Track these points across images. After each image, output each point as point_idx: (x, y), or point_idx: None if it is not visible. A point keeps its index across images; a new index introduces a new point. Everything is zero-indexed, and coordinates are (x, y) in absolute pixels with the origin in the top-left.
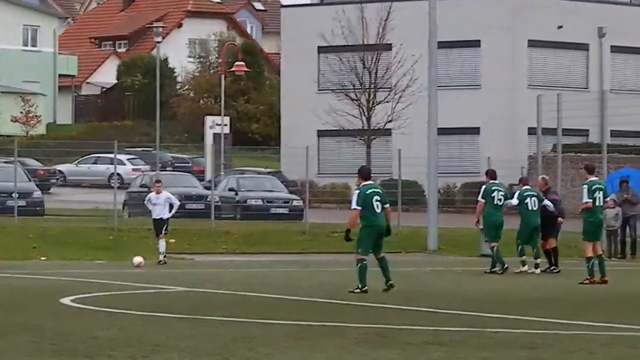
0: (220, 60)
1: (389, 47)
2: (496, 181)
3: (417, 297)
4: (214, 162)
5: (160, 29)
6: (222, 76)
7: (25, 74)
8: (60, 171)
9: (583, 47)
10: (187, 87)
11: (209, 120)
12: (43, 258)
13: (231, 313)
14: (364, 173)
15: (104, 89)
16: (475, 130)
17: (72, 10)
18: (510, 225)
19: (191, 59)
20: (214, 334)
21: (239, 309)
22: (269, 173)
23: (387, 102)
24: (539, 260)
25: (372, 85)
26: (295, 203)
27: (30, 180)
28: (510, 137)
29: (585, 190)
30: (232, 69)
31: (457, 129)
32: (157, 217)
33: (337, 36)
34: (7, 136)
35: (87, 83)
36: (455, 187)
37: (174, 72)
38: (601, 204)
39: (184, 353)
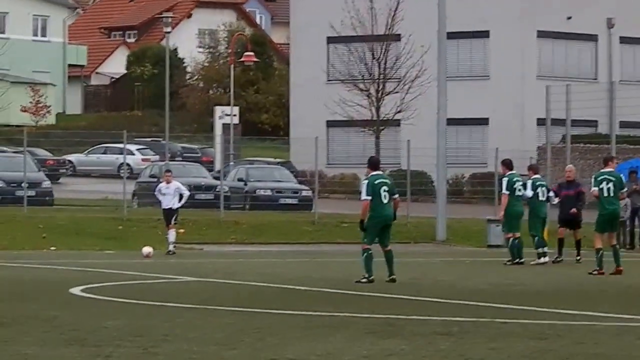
0: (229, 50)
1: (398, 37)
2: (514, 171)
3: (425, 288)
4: (223, 152)
5: (170, 19)
6: (232, 66)
7: (34, 64)
8: (69, 161)
9: (592, 38)
10: (196, 77)
11: (218, 110)
12: (52, 248)
13: (240, 303)
14: (373, 163)
15: (114, 79)
16: (484, 121)
17: (81, 1)
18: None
19: (200, 49)
20: (223, 324)
21: (247, 300)
22: (278, 163)
23: (396, 92)
24: (540, 250)
25: (381, 76)
26: (304, 193)
27: (39, 170)
28: (519, 128)
29: (592, 180)
30: (242, 59)
31: (466, 119)
32: (167, 207)
33: (347, 27)
34: (17, 126)
35: (97, 73)
36: (464, 177)
37: (184, 63)
38: (611, 195)
39: (193, 343)
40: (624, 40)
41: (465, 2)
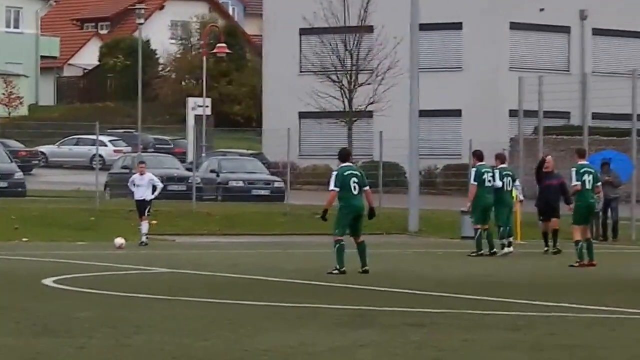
0: (202, 42)
1: (370, 29)
2: (483, 162)
3: (397, 279)
4: (195, 143)
5: (142, 11)
6: (204, 58)
7: (7, 55)
8: (42, 152)
9: (565, 29)
10: (169, 68)
11: (191, 101)
12: (25, 239)
13: (212, 295)
14: (343, 155)
15: (86, 71)
16: (456, 113)
17: None
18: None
19: (173, 41)
20: (195, 315)
21: (220, 291)
22: (250, 155)
23: (369, 84)
24: (505, 240)
25: (354, 68)
26: (276, 184)
27: (11, 161)
28: (491, 119)
29: (573, 173)
30: (214, 50)
31: (438, 111)
32: (140, 199)
33: (319, 18)
34: None
35: (69, 65)
36: (437, 169)
37: (156, 54)
38: (591, 187)
39: (165, 334)
40: (596, 32)
41: None
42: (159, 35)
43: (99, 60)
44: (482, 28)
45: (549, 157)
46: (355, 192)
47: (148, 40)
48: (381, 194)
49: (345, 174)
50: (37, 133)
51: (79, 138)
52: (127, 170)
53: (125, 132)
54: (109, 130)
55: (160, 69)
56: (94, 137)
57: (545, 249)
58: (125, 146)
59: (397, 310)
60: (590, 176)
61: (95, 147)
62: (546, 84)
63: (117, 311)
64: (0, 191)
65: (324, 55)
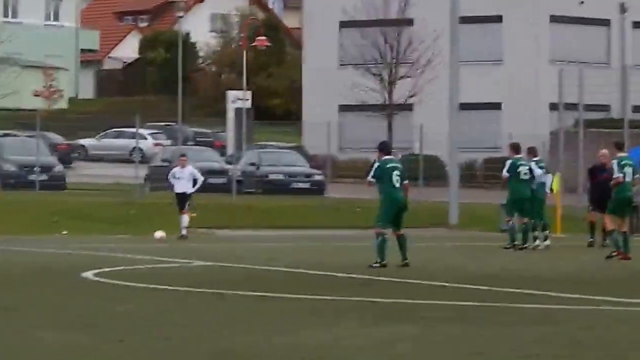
0: (242, 35)
1: (410, 22)
2: (520, 155)
3: (437, 272)
4: (235, 136)
5: (182, 4)
6: (244, 51)
7: (47, 48)
8: (82, 145)
9: (604, 22)
10: (208, 62)
11: (231, 95)
12: (64, 232)
13: (252, 288)
14: (384, 147)
15: (126, 64)
16: (497, 106)
17: None
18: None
19: (213, 34)
20: (235, 308)
21: (260, 284)
22: (290, 148)
23: (409, 77)
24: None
25: (394, 60)
26: (316, 178)
27: (52, 154)
28: (531, 112)
29: (615, 165)
30: (254, 43)
31: (478, 104)
32: (180, 192)
33: (359, 11)
34: (29, 110)
35: (109, 58)
36: (477, 162)
37: (196, 47)
38: (630, 179)
39: (205, 327)
40: (636, 25)
41: None
42: (198, 28)
43: (139, 54)
44: (522, 21)
45: (604, 151)
46: (397, 185)
47: (188, 34)
48: (421, 187)
49: (387, 166)
50: (77, 126)
51: (119, 131)
52: (167, 164)
53: (165, 125)
54: (149, 124)
55: (200, 62)
56: (134, 130)
57: (590, 239)
58: (165, 139)
59: (436, 303)
60: (630, 169)
61: (135, 140)
62: (586, 77)
63: (156, 305)
64: (40, 184)
65: (364, 48)
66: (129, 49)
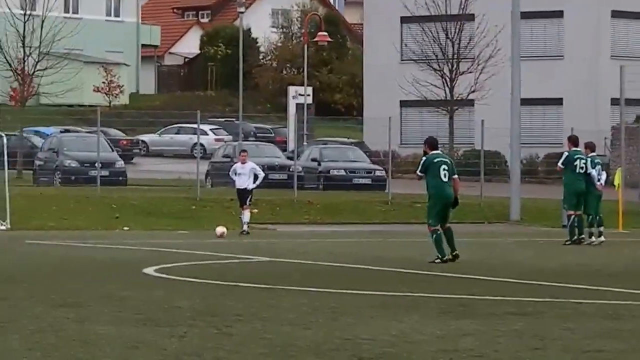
0: (302, 30)
1: (471, 17)
2: (578, 148)
3: (499, 268)
4: (296, 132)
5: (243, 0)
6: (305, 46)
7: (108, 44)
8: (142, 141)
9: None
10: (269, 57)
11: (292, 90)
12: (126, 228)
13: (313, 283)
14: (432, 143)
15: (187, 59)
16: (558, 101)
17: None
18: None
19: (274, 29)
20: (296, 304)
21: (321, 280)
22: (351, 143)
23: (470, 72)
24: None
25: (455, 56)
26: (377, 173)
27: (112, 150)
28: (593, 107)
29: None
30: (315, 39)
31: (539, 99)
32: (241, 188)
33: (420, 6)
34: (90, 106)
35: (170, 53)
36: (538, 157)
37: (257, 43)
38: None
39: (267, 323)
40: None
41: None
42: (259, 23)
43: (200, 49)
44: (584, 16)
45: None
46: (445, 180)
47: (249, 29)
48: (482, 183)
49: (435, 161)
50: (138, 122)
51: (180, 127)
52: (228, 159)
53: (226, 120)
54: (210, 119)
55: (261, 57)
56: (195, 125)
57: None
58: (226, 135)
59: (498, 299)
60: None
61: (196, 135)
62: None
63: (218, 300)
64: (102, 180)
65: (425, 43)
66: (190, 45)
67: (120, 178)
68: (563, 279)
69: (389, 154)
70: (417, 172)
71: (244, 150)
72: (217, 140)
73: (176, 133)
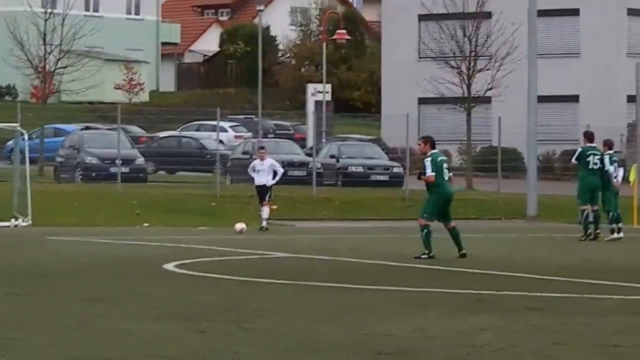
0: (321, 28)
1: (488, 15)
2: (593, 144)
3: (516, 264)
4: (315, 129)
5: None
6: (324, 44)
7: (128, 42)
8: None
9: None
10: (288, 55)
11: (311, 87)
12: (146, 224)
13: (332, 279)
14: (433, 142)
15: (207, 57)
16: (574, 98)
17: None
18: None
19: (293, 27)
20: (316, 300)
21: (340, 276)
22: (369, 140)
23: (487, 70)
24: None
25: (473, 53)
26: (395, 170)
27: (133, 147)
28: (609, 105)
29: None
30: (334, 37)
31: (556, 96)
32: (260, 184)
33: (438, 4)
34: (111, 103)
35: (190, 51)
36: (555, 154)
37: (276, 40)
38: None
39: (287, 319)
40: None
41: None
42: (278, 21)
43: (220, 47)
44: (600, 14)
45: None
46: (447, 178)
47: (268, 27)
48: (500, 179)
49: (439, 159)
50: (158, 119)
51: (200, 124)
52: (248, 156)
53: (245, 118)
54: (229, 116)
55: (280, 55)
56: (214, 123)
57: None
58: (246, 132)
59: (516, 294)
60: None
61: (216, 132)
62: None
63: (238, 296)
64: (122, 176)
65: (442, 41)
66: (209, 42)
67: (141, 175)
68: (580, 274)
69: (407, 150)
70: (430, 172)
71: (262, 147)
72: (236, 137)
73: (196, 130)
